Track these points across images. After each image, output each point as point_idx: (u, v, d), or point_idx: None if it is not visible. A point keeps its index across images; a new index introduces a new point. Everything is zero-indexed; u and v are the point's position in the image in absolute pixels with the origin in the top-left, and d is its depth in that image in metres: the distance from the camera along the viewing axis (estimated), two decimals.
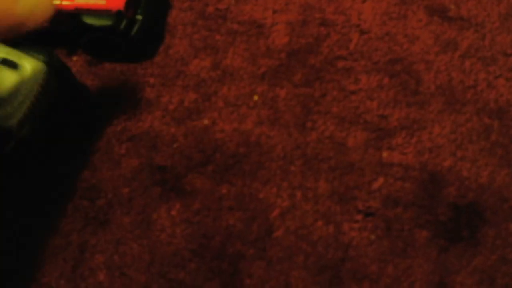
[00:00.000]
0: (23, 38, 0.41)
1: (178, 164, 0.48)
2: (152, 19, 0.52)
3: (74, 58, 0.53)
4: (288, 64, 0.51)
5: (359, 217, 0.46)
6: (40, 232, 0.46)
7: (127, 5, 0.50)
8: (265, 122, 0.49)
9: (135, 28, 0.50)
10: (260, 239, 0.45)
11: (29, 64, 0.44)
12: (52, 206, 0.47)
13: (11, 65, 0.43)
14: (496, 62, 0.52)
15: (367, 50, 0.52)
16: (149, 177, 0.47)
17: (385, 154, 0.48)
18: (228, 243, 0.45)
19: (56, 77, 0.46)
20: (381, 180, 0.47)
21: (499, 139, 0.49)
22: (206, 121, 0.49)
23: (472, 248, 0.45)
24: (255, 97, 0.49)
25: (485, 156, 0.48)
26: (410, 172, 0.48)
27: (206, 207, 0.46)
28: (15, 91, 0.43)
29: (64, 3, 0.49)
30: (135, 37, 0.50)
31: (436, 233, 0.46)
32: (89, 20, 0.49)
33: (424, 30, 0.53)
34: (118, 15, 0.49)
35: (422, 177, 0.47)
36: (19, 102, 0.44)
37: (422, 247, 0.45)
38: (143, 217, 0.46)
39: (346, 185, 0.47)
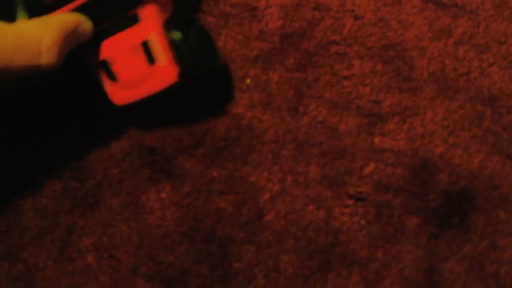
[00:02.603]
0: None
1: (168, 146, 0.47)
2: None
3: None
4: (281, 48, 0.51)
5: (350, 202, 0.46)
6: (27, 212, 0.45)
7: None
8: (257, 106, 0.49)
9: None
10: (250, 223, 0.45)
11: None
12: (39, 186, 0.46)
13: None
14: (489, 50, 0.52)
15: (360, 35, 0.52)
16: (138, 158, 0.47)
17: (377, 140, 0.48)
18: (218, 226, 0.45)
19: None
20: (372, 165, 0.47)
21: (491, 126, 0.49)
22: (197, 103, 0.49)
23: (462, 235, 0.45)
24: (248, 81, 0.49)
25: (477, 143, 0.48)
26: (402, 158, 0.47)
27: (196, 190, 0.46)
28: None
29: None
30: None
31: (427, 219, 0.45)
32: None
33: (418, 16, 0.53)
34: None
35: (413, 163, 0.47)
36: None
37: (412, 233, 0.45)
38: (132, 199, 0.45)
39: (337, 170, 0.47)
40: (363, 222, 0.45)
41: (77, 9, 0.41)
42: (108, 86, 0.43)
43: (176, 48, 0.42)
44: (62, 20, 0.39)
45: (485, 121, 0.49)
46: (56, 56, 0.38)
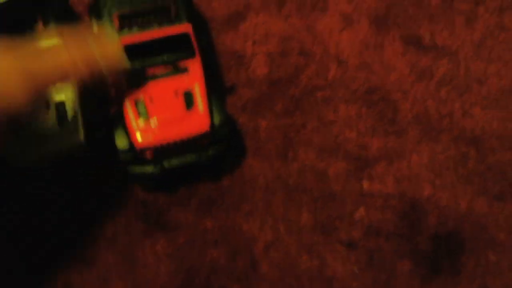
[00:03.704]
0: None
1: (161, 198, 0.47)
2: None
3: None
4: (268, 94, 0.52)
5: (342, 248, 0.47)
6: (22, 271, 0.45)
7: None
8: (247, 153, 0.49)
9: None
10: (245, 274, 0.45)
11: None
12: (35, 245, 0.46)
13: None
14: (471, 90, 0.53)
15: (345, 80, 0.53)
16: (133, 212, 0.47)
17: (365, 184, 0.49)
18: (213, 278, 0.45)
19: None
20: (362, 210, 0.48)
21: (476, 166, 0.50)
22: None
23: (453, 278, 0.46)
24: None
25: (463, 184, 0.49)
26: (390, 202, 0.48)
27: (190, 241, 0.46)
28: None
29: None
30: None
31: (418, 263, 0.46)
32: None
33: (400, 59, 0.54)
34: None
35: (402, 206, 0.48)
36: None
37: (405, 278, 0.46)
38: (128, 254, 0.45)
39: (328, 215, 0.48)
40: (356, 269, 0.46)
41: (139, 45, 0.44)
42: (135, 123, 0.43)
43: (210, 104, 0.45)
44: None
45: (470, 162, 0.50)
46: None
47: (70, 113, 0.44)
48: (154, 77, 0.45)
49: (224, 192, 0.48)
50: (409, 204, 0.48)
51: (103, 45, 0.41)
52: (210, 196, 0.48)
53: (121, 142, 0.44)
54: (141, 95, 0.44)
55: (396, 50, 0.55)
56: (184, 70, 0.45)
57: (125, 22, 0.45)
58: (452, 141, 0.51)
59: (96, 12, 0.46)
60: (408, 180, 0.49)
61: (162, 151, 0.44)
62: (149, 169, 0.45)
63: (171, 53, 0.45)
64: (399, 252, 0.47)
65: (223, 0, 0.55)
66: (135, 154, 0.44)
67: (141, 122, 0.43)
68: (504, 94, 0.53)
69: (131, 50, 0.44)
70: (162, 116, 0.43)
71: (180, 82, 0.45)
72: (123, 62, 0.43)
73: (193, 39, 0.45)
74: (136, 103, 0.44)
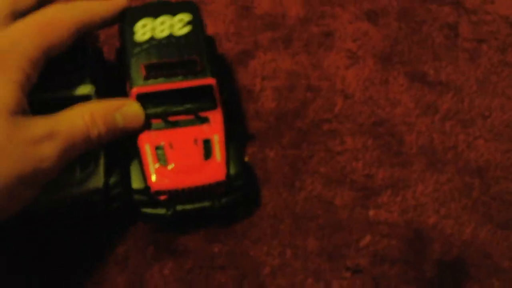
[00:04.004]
0: None
1: (171, 224, 0.49)
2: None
3: None
4: (276, 127, 0.54)
5: (347, 274, 0.47)
6: None
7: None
8: (255, 182, 0.51)
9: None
10: None
11: None
12: (45, 265, 0.47)
13: None
14: (475, 124, 0.55)
15: (351, 113, 0.55)
16: (143, 236, 0.48)
17: (371, 213, 0.50)
18: None
19: None
20: (368, 238, 0.49)
21: (480, 196, 0.51)
22: None
23: None
24: (246, 158, 0.51)
25: (468, 213, 0.50)
26: (396, 230, 0.49)
27: (198, 266, 0.47)
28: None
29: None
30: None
31: None
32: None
33: (405, 94, 0.56)
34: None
35: (407, 234, 0.49)
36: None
37: None
38: (137, 276, 0.46)
39: (335, 243, 0.49)
40: None
41: (164, 94, 0.47)
42: (153, 167, 0.45)
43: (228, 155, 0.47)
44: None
45: (474, 192, 0.51)
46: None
47: (91, 157, 0.46)
48: (176, 124, 0.47)
49: (232, 219, 0.49)
50: (414, 232, 0.49)
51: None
52: (219, 222, 0.49)
53: (136, 182, 0.46)
54: (162, 141, 0.46)
55: (401, 86, 0.56)
56: (205, 120, 0.47)
57: (152, 72, 0.47)
58: (457, 172, 0.52)
59: (123, 60, 0.49)
60: (413, 209, 0.50)
61: (177, 196, 0.46)
62: (161, 211, 0.46)
63: (194, 103, 0.48)
64: (405, 278, 0.47)
65: (234, 39, 0.58)
66: (149, 196, 0.46)
67: (158, 166, 0.45)
68: (507, 127, 0.54)
69: (156, 98, 0.47)
70: (180, 163, 0.46)
71: (200, 131, 0.47)
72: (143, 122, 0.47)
73: (216, 92, 0.48)
74: (156, 148, 0.46)
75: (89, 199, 0.45)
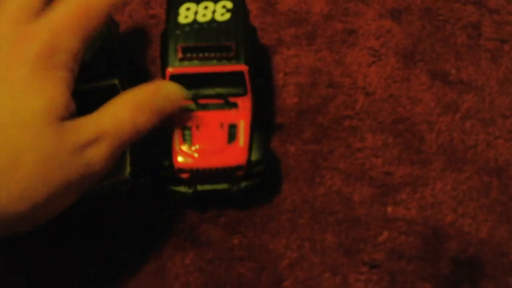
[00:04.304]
0: None
1: (193, 215, 0.50)
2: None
3: None
4: (297, 123, 0.54)
5: (364, 269, 0.48)
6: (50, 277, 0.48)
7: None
8: (275, 176, 0.52)
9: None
10: None
11: None
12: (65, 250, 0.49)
13: None
14: (495, 124, 0.55)
15: (372, 110, 0.55)
16: (166, 226, 0.49)
17: (389, 209, 0.51)
18: None
19: None
20: (385, 234, 0.50)
21: (498, 196, 0.51)
22: None
23: None
24: None
25: (485, 213, 0.50)
26: (414, 227, 0.50)
27: (218, 257, 0.48)
28: None
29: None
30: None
31: (438, 286, 0.47)
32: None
33: (426, 92, 0.56)
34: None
35: (425, 231, 0.50)
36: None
37: None
38: (158, 265, 0.48)
39: (353, 238, 0.49)
40: None
41: (196, 76, 0.49)
42: (179, 147, 0.47)
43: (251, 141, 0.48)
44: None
45: (492, 192, 0.52)
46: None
47: None
48: (205, 107, 0.49)
49: (252, 212, 0.50)
50: (432, 230, 0.50)
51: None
52: (239, 215, 0.50)
53: (163, 159, 0.48)
54: (189, 122, 0.48)
55: (422, 84, 0.57)
56: (234, 105, 0.49)
57: (187, 54, 0.49)
58: (476, 172, 0.52)
59: (163, 41, 0.51)
60: (431, 207, 0.51)
61: (198, 175, 0.47)
62: (183, 189, 0.48)
63: (225, 88, 0.49)
64: (421, 274, 0.48)
65: (258, 34, 0.59)
66: (173, 173, 0.47)
67: (183, 146, 0.47)
68: None
69: (188, 80, 0.48)
70: (203, 144, 0.47)
71: (227, 116, 0.48)
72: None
73: (247, 79, 0.49)
74: (183, 129, 0.48)
75: (116, 190, 0.46)
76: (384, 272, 0.48)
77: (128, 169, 0.47)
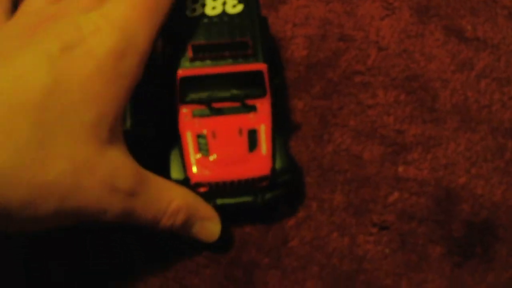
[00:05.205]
0: None
1: None
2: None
3: None
4: (306, 77, 0.52)
5: (374, 230, 0.46)
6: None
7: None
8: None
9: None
10: (275, 248, 0.46)
11: None
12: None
13: None
14: (510, 83, 0.53)
15: (384, 66, 0.53)
16: None
17: (400, 169, 0.49)
18: (243, 251, 0.45)
19: None
20: (396, 194, 0.48)
21: None
22: None
23: (485, 265, 0.45)
24: None
25: (499, 175, 0.49)
26: (425, 188, 0.48)
27: (223, 217, 0.46)
28: None
29: None
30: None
31: (450, 248, 0.46)
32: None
33: (441, 49, 0.54)
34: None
35: (437, 193, 0.48)
36: None
37: (436, 262, 0.45)
38: None
39: (362, 198, 0.47)
40: (387, 250, 0.46)
41: (209, 78, 0.43)
42: (194, 157, 0.43)
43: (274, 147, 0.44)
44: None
45: (506, 153, 0.50)
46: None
47: None
48: (221, 112, 0.44)
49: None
50: (444, 191, 0.48)
51: None
52: None
53: (176, 173, 0.43)
54: (205, 129, 0.43)
55: (437, 40, 0.55)
56: (253, 108, 0.44)
57: (199, 54, 0.44)
58: (490, 132, 0.51)
59: (169, 39, 0.45)
60: (444, 168, 0.49)
61: (217, 189, 0.43)
62: None
63: (241, 89, 0.44)
64: (432, 237, 0.46)
65: None
66: (189, 187, 0.43)
67: (199, 156, 0.43)
68: None
69: (201, 82, 0.44)
70: (222, 154, 0.43)
71: (246, 121, 0.44)
72: None
73: (266, 78, 0.44)
74: (198, 136, 0.43)
75: None
76: (394, 234, 0.46)
77: (129, 121, 0.44)
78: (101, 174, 0.36)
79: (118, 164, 0.37)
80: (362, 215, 0.47)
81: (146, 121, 0.45)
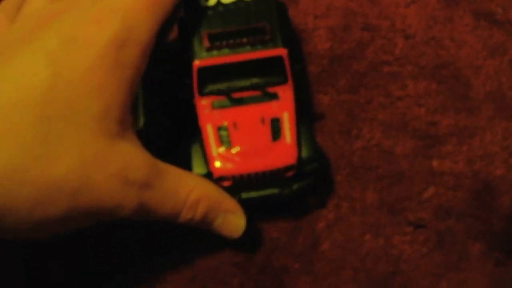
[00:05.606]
0: None
1: None
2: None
3: None
4: (331, 70, 0.50)
5: (409, 229, 0.44)
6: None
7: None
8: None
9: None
10: (306, 253, 0.44)
11: None
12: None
13: None
14: None
15: (413, 55, 0.50)
16: None
17: (435, 163, 0.46)
18: (272, 256, 0.43)
19: None
20: (431, 189, 0.45)
21: None
22: None
23: None
24: None
25: None
26: (462, 181, 0.46)
27: (250, 218, 0.44)
28: None
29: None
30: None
31: (491, 245, 0.43)
32: None
33: (471, 34, 0.52)
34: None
35: (474, 186, 0.45)
36: None
37: (477, 260, 0.43)
38: None
39: (395, 195, 0.45)
40: (424, 250, 0.43)
41: (228, 67, 0.42)
42: (216, 151, 0.41)
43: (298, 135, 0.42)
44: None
45: None
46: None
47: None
48: (241, 102, 0.42)
49: None
50: (482, 184, 0.45)
51: None
52: None
53: (198, 168, 0.42)
54: (225, 120, 0.42)
55: (466, 25, 0.52)
56: (274, 96, 0.43)
57: (216, 42, 0.42)
58: None
59: (184, 29, 0.44)
60: (480, 159, 0.46)
61: (242, 182, 0.41)
62: None
63: (261, 77, 0.43)
64: (471, 233, 0.44)
65: None
66: (212, 182, 0.41)
67: (222, 149, 0.41)
68: None
69: (219, 72, 0.42)
70: (245, 145, 0.41)
71: (268, 109, 0.42)
72: None
73: (287, 64, 0.42)
74: (218, 129, 0.42)
75: None
76: (431, 232, 0.44)
77: (142, 119, 0.42)
78: (113, 167, 0.34)
79: (130, 156, 0.36)
80: (396, 213, 0.45)
81: (160, 118, 0.43)
